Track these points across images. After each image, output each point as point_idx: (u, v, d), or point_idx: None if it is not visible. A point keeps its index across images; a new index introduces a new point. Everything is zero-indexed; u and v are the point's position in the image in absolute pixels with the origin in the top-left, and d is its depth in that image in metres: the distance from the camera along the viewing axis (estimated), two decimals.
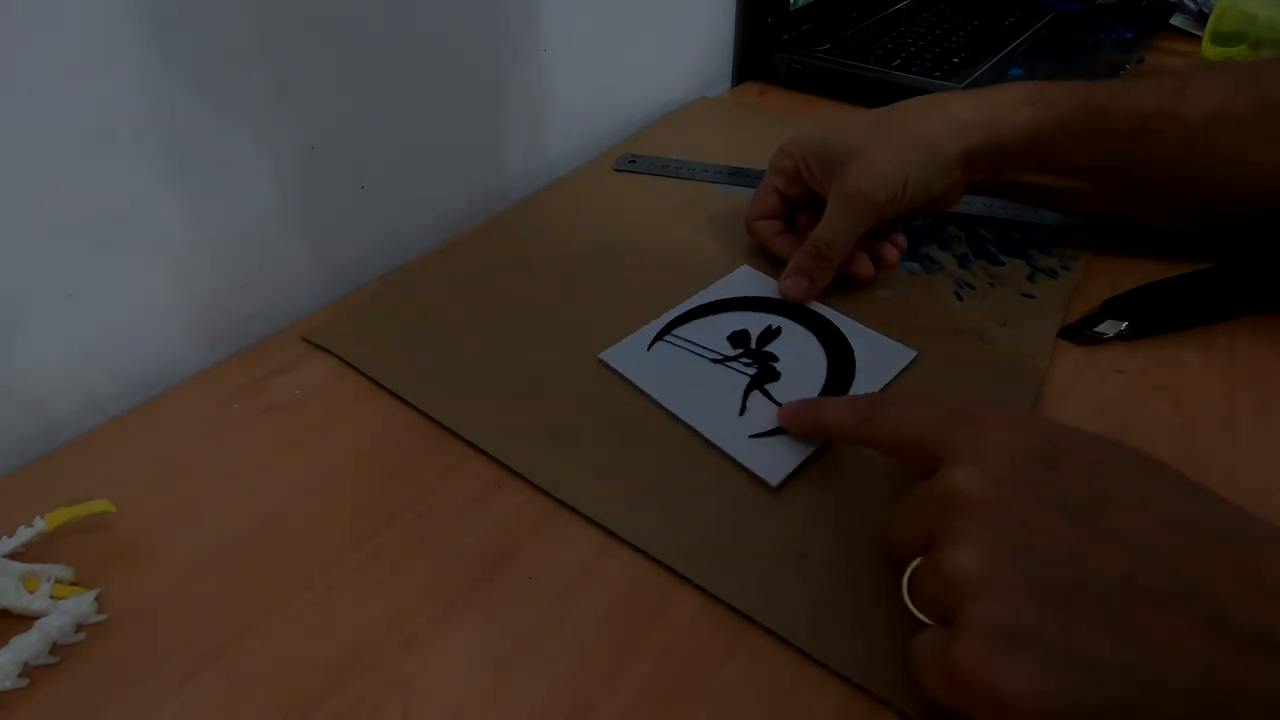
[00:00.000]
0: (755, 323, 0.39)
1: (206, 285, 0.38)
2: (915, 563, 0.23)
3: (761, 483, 0.30)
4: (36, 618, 0.25)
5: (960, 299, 0.40)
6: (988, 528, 0.21)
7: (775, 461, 0.31)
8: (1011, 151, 0.38)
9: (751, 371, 0.36)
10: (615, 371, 0.35)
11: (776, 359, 0.36)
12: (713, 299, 0.40)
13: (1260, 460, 0.31)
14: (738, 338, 0.38)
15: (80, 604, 0.26)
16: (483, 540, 0.29)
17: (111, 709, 0.24)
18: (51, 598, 0.26)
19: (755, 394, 0.34)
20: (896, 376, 0.35)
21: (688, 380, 0.35)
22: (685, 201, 0.49)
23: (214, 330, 0.39)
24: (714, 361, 0.36)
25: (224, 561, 0.28)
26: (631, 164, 0.54)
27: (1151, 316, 0.37)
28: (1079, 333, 0.37)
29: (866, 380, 0.35)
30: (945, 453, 0.24)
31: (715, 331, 0.38)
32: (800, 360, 0.36)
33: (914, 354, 0.36)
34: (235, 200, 0.37)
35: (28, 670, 0.24)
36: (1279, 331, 0.37)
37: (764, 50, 0.68)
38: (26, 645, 0.24)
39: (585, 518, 0.29)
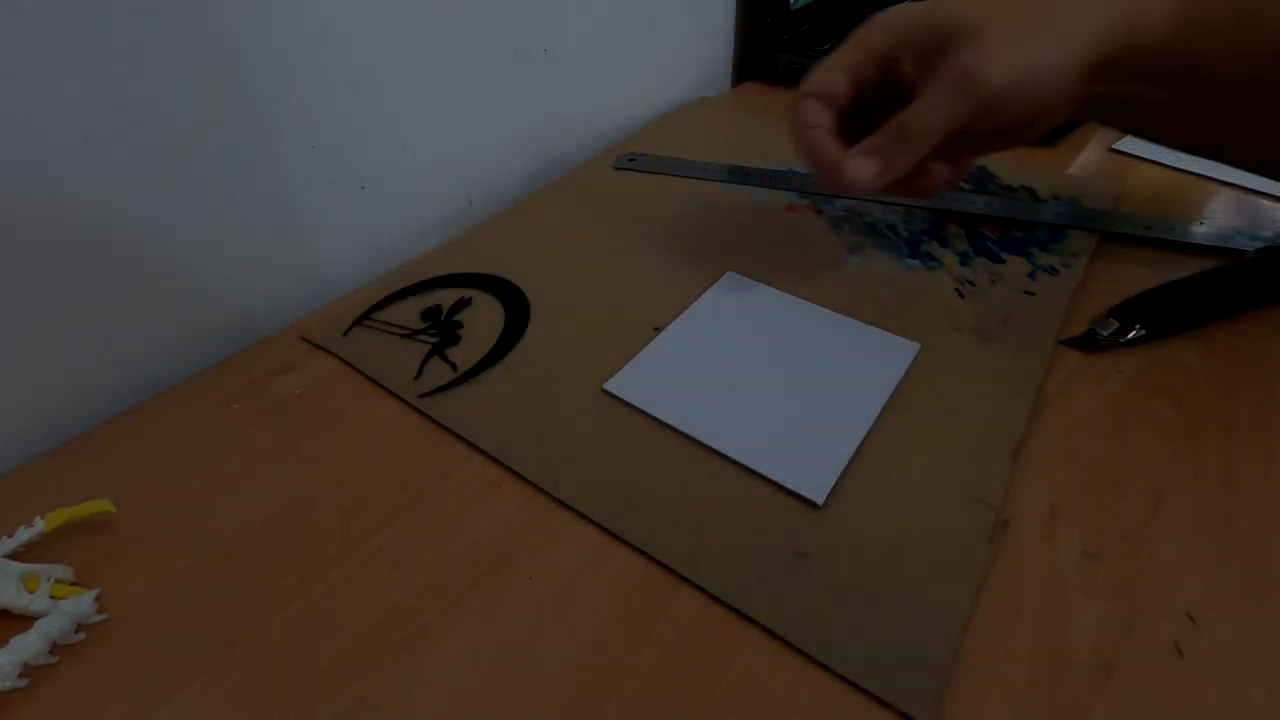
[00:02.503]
0: (451, 297, 0.41)
1: (206, 284, 0.38)
2: None
3: (771, 484, 0.30)
4: (36, 618, 0.25)
5: (961, 297, 0.40)
6: None
7: (815, 477, 0.30)
8: (1149, 56, 0.32)
9: (435, 340, 0.38)
10: (625, 401, 0.34)
11: (461, 325, 0.39)
12: (701, 310, 0.39)
13: (1260, 460, 0.31)
14: (429, 313, 0.40)
15: (80, 604, 0.26)
16: (483, 540, 0.29)
17: (111, 709, 0.24)
18: (51, 598, 0.26)
19: (434, 359, 0.37)
20: (906, 372, 0.35)
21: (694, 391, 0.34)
22: (685, 200, 0.49)
23: (214, 330, 0.39)
24: (403, 337, 0.38)
25: (224, 561, 0.28)
26: (632, 162, 0.54)
27: (1163, 320, 0.37)
28: (1091, 343, 0.37)
29: (876, 379, 0.35)
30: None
31: (412, 310, 0.40)
32: (482, 321, 0.39)
33: (918, 346, 0.37)
34: (235, 200, 0.37)
35: (28, 670, 0.24)
36: (1278, 330, 0.37)
37: (764, 50, 0.68)
38: (26, 645, 0.24)
39: (585, 518, 0.29)
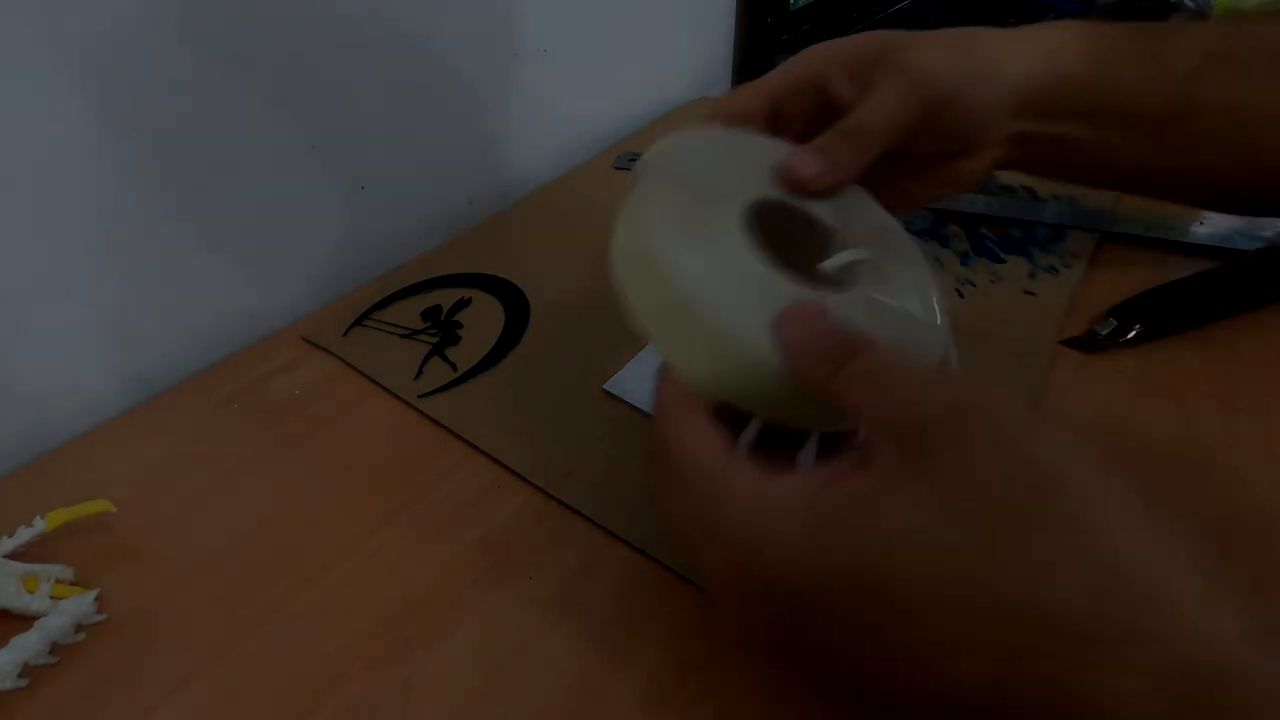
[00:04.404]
0: (451, 297, 0.41)
1: (206, 285, 0.38)
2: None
3: None
4: (36, 618, 0.25)
5: (961, 296, 0.40)
6: None
7: None
8: (1069, 90, 0.32)
9: (435, 340, 0.38)
10: (625, 402, 0.34)
11: (461, 325, 0.39)
12: None
13: (1260, 460, 0.31)
14: (429, 313, 0.40)
15: (80, 604, 0.26)
16: (483, 540, 0.29)
17: (111, 709, 0.24)
18: (51, 598, 0.26)
19: (434, 359, 0.37)
20: None
21: None
22: None
23: (214, 330, 0.39)
24: (403, 337, 0.38)
25: (224, 561, 0.28)
26: (632, 162, 0.53)
27: (1163, 320, 0.37)
28: (1091, 343, 0.37)
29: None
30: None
31: (412, 310, 0.40)
32: (482, 321, 0.39)
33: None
34: (235, 200, 0.37)
35: (28, 670, 0.24)
36: (1278, 330, 0.37)
37: (764, 50, 0.68)
38: (26, 645, 0.24)
39: (585, 518, 0.29)
